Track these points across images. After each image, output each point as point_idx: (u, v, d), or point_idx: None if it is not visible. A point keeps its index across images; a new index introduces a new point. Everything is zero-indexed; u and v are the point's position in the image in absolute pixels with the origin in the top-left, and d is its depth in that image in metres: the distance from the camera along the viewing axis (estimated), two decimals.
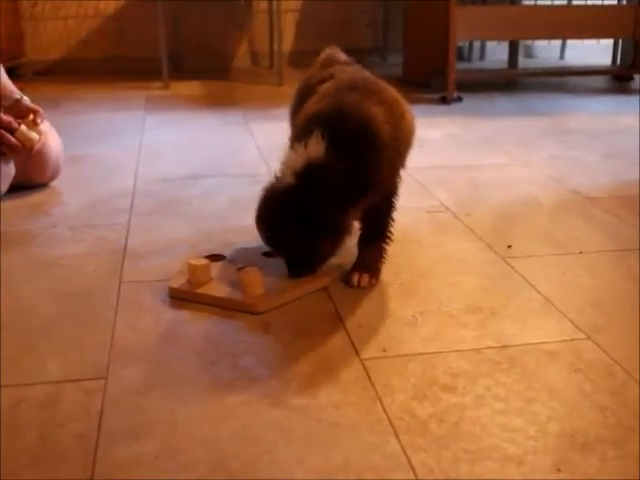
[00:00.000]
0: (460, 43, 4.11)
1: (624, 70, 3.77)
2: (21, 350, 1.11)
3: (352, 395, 0.99)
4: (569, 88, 3.50)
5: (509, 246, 1.50)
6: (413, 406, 0.96)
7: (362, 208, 1.29)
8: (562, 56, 4.44)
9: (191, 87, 3.55)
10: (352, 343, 1.12)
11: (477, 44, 4.32)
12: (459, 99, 3.13)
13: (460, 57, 4.15)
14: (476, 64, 4.25)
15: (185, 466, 0.85)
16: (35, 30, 3.92)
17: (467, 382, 1.01)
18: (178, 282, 1.29)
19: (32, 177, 1.90)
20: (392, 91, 1.35)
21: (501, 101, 3.19)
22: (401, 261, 1.42)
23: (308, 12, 4.09)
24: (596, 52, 4.25)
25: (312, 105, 1.30)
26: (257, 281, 1.24)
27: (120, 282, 1.35)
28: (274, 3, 3.56)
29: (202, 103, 3.17)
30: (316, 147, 1.18)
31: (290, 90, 1.59)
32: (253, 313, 1.21)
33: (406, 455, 0.86)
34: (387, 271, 1.36)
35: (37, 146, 1.82)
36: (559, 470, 0.84)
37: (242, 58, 4.12)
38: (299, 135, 1.22)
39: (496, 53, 4.27)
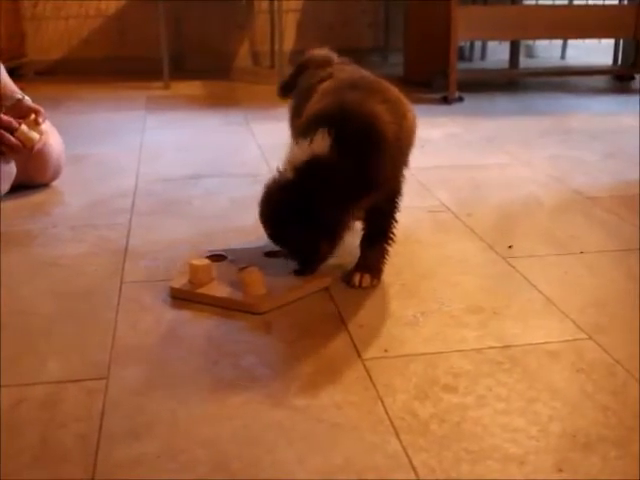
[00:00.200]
0: (461, 43, 4.11)
1: (625, 70, 3.76)
2: (22, 350, 1.11)
3: (353, 395, 0.98)
4: (570, 88, 3.49)
5: (510, 246, 1.50)
6: (414, 406, 0.96)
7: (364, 207, 1.29)
8: (563, 56, 4.43)
9: (192, 87, 3.55)
10: (353, 343, 1.12)
11: (478, 44, 4.31)
12: (460, 99, 3.13)
13: (461, 57, 4.14)
14: (477, 64, 4.25)
15: (186, 466, 0.85)
16: (36, 30, 3.92)
17: (468, 382, 1.01)
18: (179, 282, 1.29)
19: (33, 177, 1.90)
20: (394, 90, 1.35)
21: (502, 101, 3.19)
22: (402, 261, 1.42)
23: (309, 12, 4.09)
24: (597, 52, 4.25)
25: (316, 103, 1.30)
26: (258, 281, 1.24)
27: (121, 282, 1.35)
28: (275, 3, 3.56)
29: (203, 103, 3.17)
30: (321, 144, 1.18)
31: None
32: (254, 313, 1.21)
33: (407, 455, 0.86)
34: (388, 271, 1.36)
35: (38, 146, 1.82)
36: (560, 470, 0.83)
37: (243, 58, 4.12)
38: (305, 132, 1.22)
39: (497, 53, 4.27)
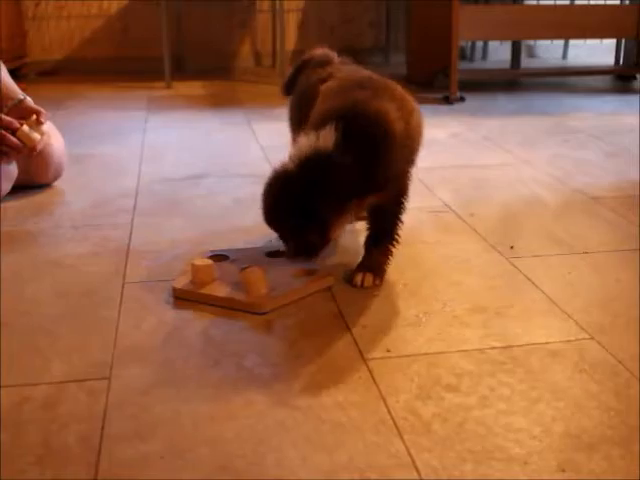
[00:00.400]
0: (463, 43, 4.11)
1: (627, 70, 3.76)
2: (24, 350, 1.11)
3: (356, 395, 0.98)
4: (572, 88, 3.49)
5: (511, 247, 1.50)
6: (417, 406, 0.96)
7: (369, 206, 1.28)
8: (565, 56, 4.43)
9: (194, 87, 3.55)
10: (356, 343, 1.12)
11: (480, 44, 4.32)
12: (462, 99, 3.13)
13: (463, 57, 4.15)
14: (479, 64, 4.25)
15: (190, 466, 0.85)
16: (38, 30, 3.92)
17: (471, 382, 1.01)
18: (181, 282, 1.29)
19: (35, 177, 1.91)
20: (400, 88, 1.35)
21: (504, 101, 3.19)
22: (405, 261, 1.42)
23: (311, 12, 4.09)
24: (599, 52, 4.25)
25: (325, 102, 1.30)
26: (260, 281, 1.24)
27: (123, 282, 1.35)
28: (277, 3, 3.56)
29: (205, 103, 3.17)
30: (327, 138, 1.18)
31: None
32: (256, 313, 1.21)
33: (410, 455, 0.86)
34: (391, 271, 1.36)
35: (39, 146, 1.82)
36: (564, 470, 0.83)
37: (245, 58, 4.12)
38: (314, 129, 1.22)
39: (499, 53, 4.27)
